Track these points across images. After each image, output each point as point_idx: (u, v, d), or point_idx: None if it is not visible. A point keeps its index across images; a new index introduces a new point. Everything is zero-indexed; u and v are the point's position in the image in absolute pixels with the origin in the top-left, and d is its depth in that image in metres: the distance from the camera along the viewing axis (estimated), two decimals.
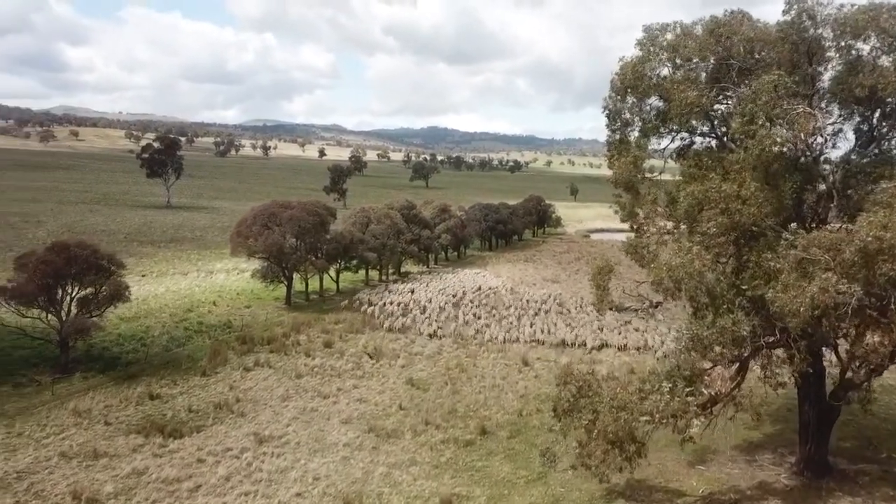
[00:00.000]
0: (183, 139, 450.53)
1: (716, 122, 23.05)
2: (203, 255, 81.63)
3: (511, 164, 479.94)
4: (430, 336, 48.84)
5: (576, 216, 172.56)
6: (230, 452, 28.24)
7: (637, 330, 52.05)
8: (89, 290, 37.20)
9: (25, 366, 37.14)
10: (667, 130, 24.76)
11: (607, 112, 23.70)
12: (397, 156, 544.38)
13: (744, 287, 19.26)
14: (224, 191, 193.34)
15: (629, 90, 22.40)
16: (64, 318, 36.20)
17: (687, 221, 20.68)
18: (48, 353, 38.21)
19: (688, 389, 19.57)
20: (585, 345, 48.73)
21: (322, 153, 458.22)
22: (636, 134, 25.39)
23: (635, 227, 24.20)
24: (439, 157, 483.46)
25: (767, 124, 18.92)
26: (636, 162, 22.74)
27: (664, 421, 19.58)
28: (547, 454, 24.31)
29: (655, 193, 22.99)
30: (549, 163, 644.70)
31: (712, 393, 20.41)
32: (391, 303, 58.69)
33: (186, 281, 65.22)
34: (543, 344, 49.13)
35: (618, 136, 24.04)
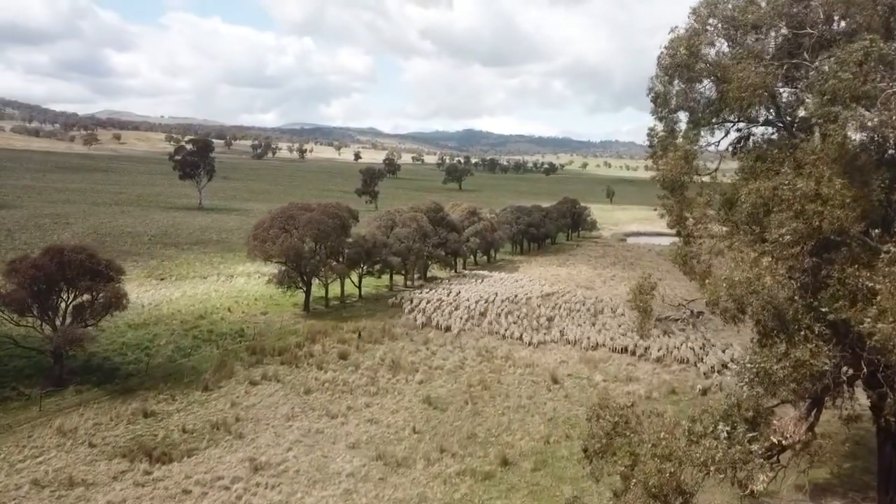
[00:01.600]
0: (222, 142, 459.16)
1: (782, 108, 19.18)
2: (226, 258, 79.63)
3: (546, 166, 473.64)
4: (453, 347, 45.44)
5: (612, 219, 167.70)
6: (220, 482, 25.27)
7: (675, 336, 48.13)
8: (86, 297, 34.73)
9: (19, 378, 34.89)
10: (720, 120, 20.95)
11: (653, 96, 20.01)
12: (432, 159, 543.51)
13: (823, 309, 15.43)
14: (257, 193, 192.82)
15: (680, 69, 18.66)
16: (58, 327, 33.83)
17: (748, 227, 16.91)
18: (45, 364, 35.90)
19: (750, 434, 15.79)
20: (627, 350, 45.47)
21: (357, 156, 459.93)
22: (683, 126, 21.64)
23: (684, 233, 20.47)
24: (473, 160, 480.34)
25: (853, 105, 15.09)
26: (687, 157, 18.99)
27: (720, 473, 15.83)
28: None
29: (709, 195, 19.20)
30: (584, 165, 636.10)
31: (780, 440, 16.64)
32: (414, 308, 55.55)
33: (205, 285, 63.03)
34: (575, 345, 45.93)
35: (664, 127, 20.32)
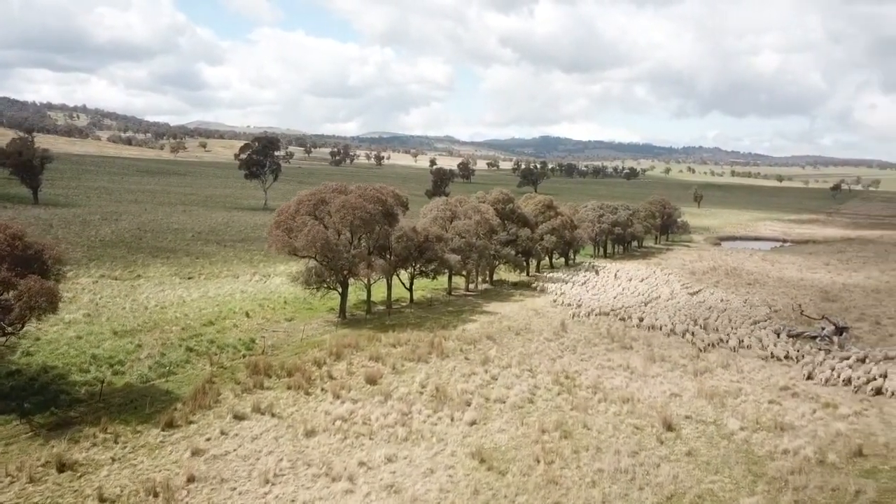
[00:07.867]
0: (301, 149, 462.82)
1: None
2: (268, 256, 70.85)
3: (626, 171, 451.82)
4: (520, 370, 33.89)
5: (701, 224, 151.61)
6: None
7: (829, 355, 34.71)
8: (12, 294, 25.35)
9: None
10: None
11: None
12: (507, 165, 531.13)
13: None
14: None
15: None
16: None
17: None
18: None
19: None
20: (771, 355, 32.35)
21: (433, 163, 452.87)
22: None
23: None
24: (550, 165, 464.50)
25: None
26: None
27: None
28: None
29: None
30: (667, 170, 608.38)
31: None
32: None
33: (233, 285, 54.06)
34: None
35: None
